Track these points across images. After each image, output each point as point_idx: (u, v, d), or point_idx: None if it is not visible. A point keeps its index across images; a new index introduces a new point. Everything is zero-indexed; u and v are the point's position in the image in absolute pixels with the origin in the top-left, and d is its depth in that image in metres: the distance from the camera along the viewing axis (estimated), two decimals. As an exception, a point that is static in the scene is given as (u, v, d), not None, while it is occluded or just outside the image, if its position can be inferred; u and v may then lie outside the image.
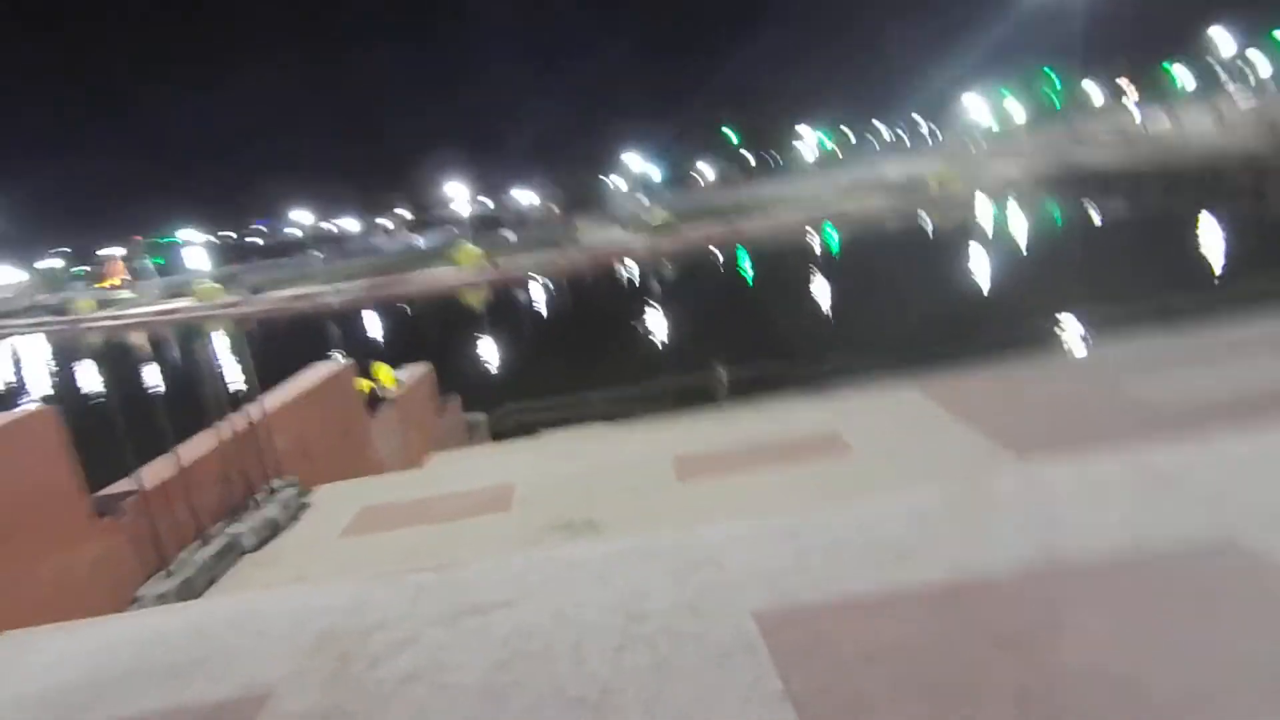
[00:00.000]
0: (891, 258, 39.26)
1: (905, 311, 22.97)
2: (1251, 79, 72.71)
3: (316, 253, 78.90)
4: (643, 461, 5.70)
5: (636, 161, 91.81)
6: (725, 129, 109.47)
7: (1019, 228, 44.32)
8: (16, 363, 52.09)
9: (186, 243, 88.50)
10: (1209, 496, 3.10)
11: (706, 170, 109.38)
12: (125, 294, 74.31)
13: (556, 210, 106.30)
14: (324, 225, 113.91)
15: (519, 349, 31.79)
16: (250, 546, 4.87)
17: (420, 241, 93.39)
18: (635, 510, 4.80)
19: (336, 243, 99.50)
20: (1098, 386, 5.70)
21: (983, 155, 77.11)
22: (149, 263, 75.96)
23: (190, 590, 4.26)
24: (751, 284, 39.33)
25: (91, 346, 54.81)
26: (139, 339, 55.21)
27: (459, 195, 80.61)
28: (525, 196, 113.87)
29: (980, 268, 32.35)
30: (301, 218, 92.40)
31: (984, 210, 52.63)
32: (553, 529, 4.68)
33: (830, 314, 28.48)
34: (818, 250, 48.28)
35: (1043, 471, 3.80)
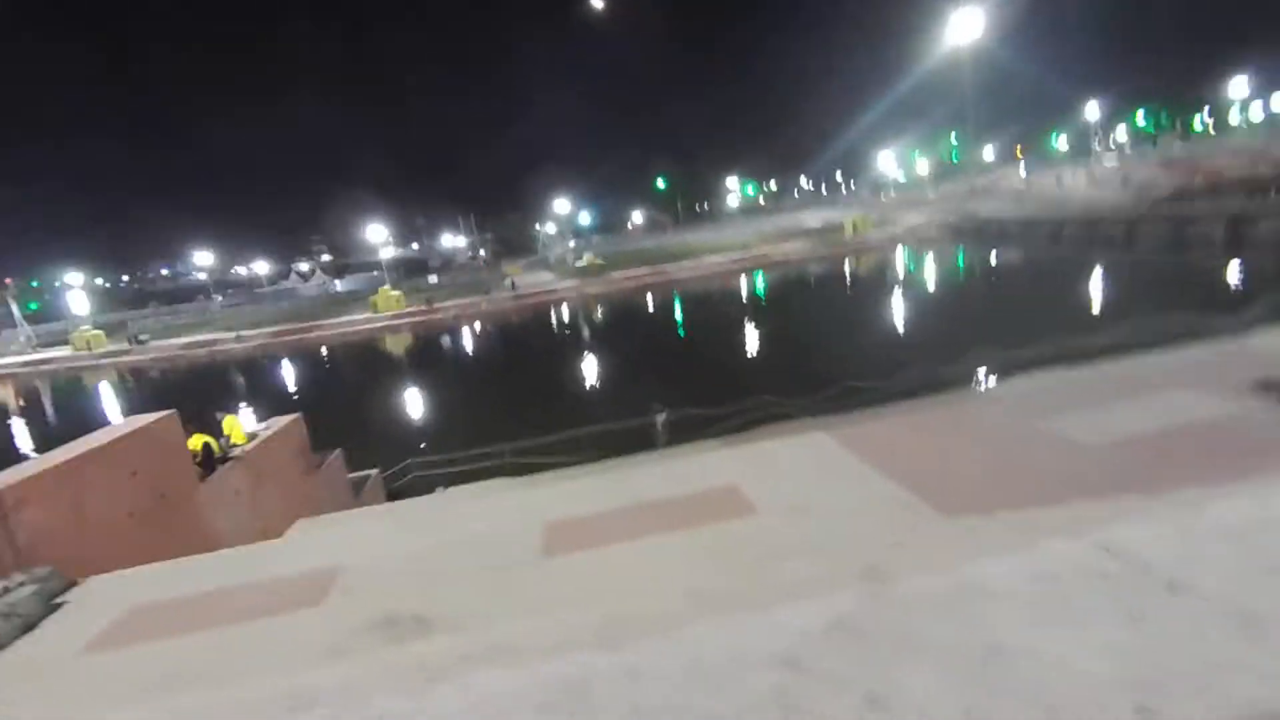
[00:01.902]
0: (814, 300, 39.89)
1: (826, 352, 22.87)
2: (1114, 145, 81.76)
3: (219, 297, 74.26)
4: (509, 530, 4.59)
5: (566, 207, 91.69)
6: (656, 178, 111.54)
7: (930, 271, 45.95)
8: None
9: (69, 286, 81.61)
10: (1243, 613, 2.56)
11: (636, 217, 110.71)
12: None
13: (484, 254, 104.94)
14: (236, 269, 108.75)
15: (442, 396, 30.08)
16: (-65, 677, 3.47)
17: (339, 285, 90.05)
18: (481, 598, 3.68)
19: (247, 288, 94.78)
20: (1017, 425, 5.07)
21: (893, 205, 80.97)
22: (14, 308, 68.61)
23: None
24: (681, 327, 38.91)
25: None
26: (7, 390, 49.96)
27: (381, 239, 78.06)
28: (452, 240, 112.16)
29: (896, 309, 32.98)
30: (209, 262, 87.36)
31: (897, 255, 54.62)
32: (370, 629, 3.50)
33: (754, 355, 28.20)
34: (744, 293, 48.70)
35: (982, 566, 3.11)
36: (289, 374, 43.36)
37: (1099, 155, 73.30)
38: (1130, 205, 41.36)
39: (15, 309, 71.97)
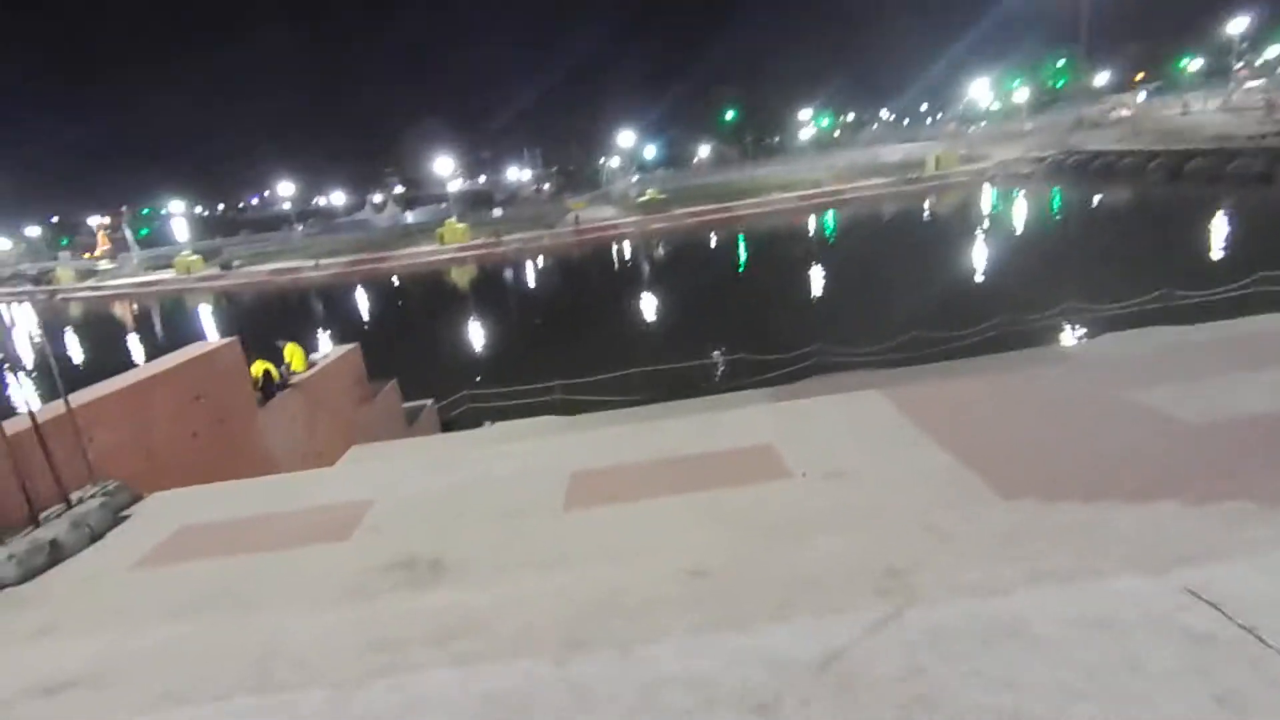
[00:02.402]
0: (887, 242, 38.20)
1: (895, 299, 21.96)
2: (1259, 65, 71.54)
3: (300, 226, 77.01)
4: (537, 476, 4.65)
5: (631, 140, 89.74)
6: (724, 110, 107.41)
7: (1019, 213, 43.13)
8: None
9: (172, 214, 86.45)
10: None
11: (703, 151, 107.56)
12: (106, 265, 72.56)
13: (548, 188, 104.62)
14: (316, 201, 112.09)
15: (501, 328, 30.67)
16: (10, 579, 3.83)
17: (409, 217, 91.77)
18: (496, 547, 3.75)
19: (325, 218, 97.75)
20: (1103, 394, 4.65)
21: (983, 138, 75.71)
22: (128, 234, 73.90)
23: (-111, 646, 3.22)
24: (744, 267, 38.09)
25: (70, 316, 53.39)
26: (123, 309, 53.85)
27: (449, 172, 78.72)
28: (517, 174, 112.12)
29: (977, 254, 31.25)
30: (291, 192, 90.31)
31: (983, 194, 51.42)
32: (389, 569, 3.64)
33: (820, 300, 27.39)
34: (812, 233, 47.10)
35: (1030, 597, 2.54)
36: (360, 302, 44.98)
37: (1240, 80, 64.12)
38: (1275, 135, 36.16)
39: (129, 234, 76.98)
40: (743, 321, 22.76)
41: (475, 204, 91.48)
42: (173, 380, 6.00)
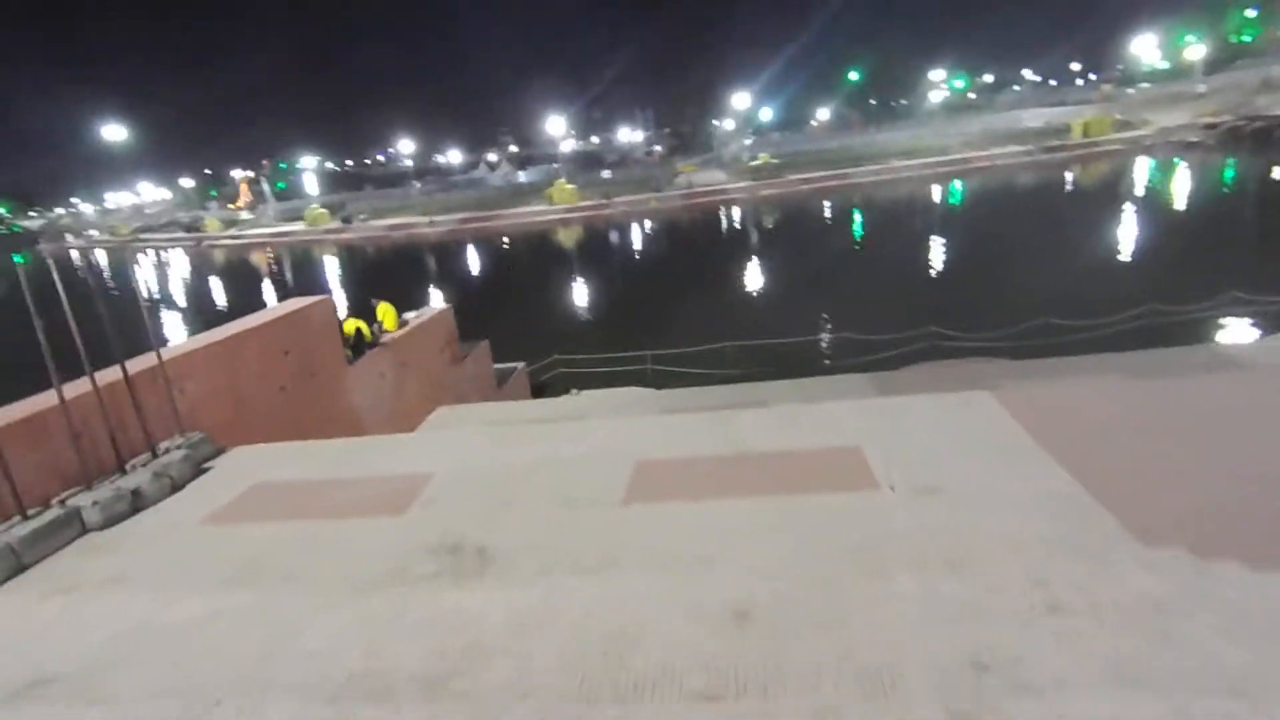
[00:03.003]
0: (1019, 216, 35.12)
1: (1024, 280, 20.09)
2: None
3: (417, 184, 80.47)
4: (601, 462, 4.37)
5: (746, 102, 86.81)
6: (848, 70, 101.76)
7: (1180, 187, 38.40)
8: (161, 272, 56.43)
9: (304, 169, 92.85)
10: None
11: (822, 114, 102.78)
12: (246, 215, 78.86)
13: (659, 150, 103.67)
14: (436, 159, 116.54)
15: (601, 292, 30.77)
16: (95, 523, 3.98)
17: (521, 176, 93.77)
18: (546, 539, 3.50)
19: (443, 175, 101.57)
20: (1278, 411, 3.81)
21: (1142, 101, 67.85)
22: (265, 187, 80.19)
23: (-26, 582, 3.39)
24: (858, 239, 36.21)
25: (215, 263, 58.54)
26: (259, 258, 58.51)
27: (561, 132, 79.41)
28: (629, 135, 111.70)
29: (1126, 233, 28.09)
30: (412, 150, 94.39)
31: (1138, 165, 46.14)
32: (435, 552, 3.48)
33: (939, 278, 25.56)
34: (936, 203, 44.10)
35: None
36: (467, 259, 46.52)
37: None
38: None
39: (266, 188, 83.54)
40: (852, 297, 21.58)
41: (586, 165, 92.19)
42: (263, 335, 6.15)
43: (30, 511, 3.82)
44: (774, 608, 2.70)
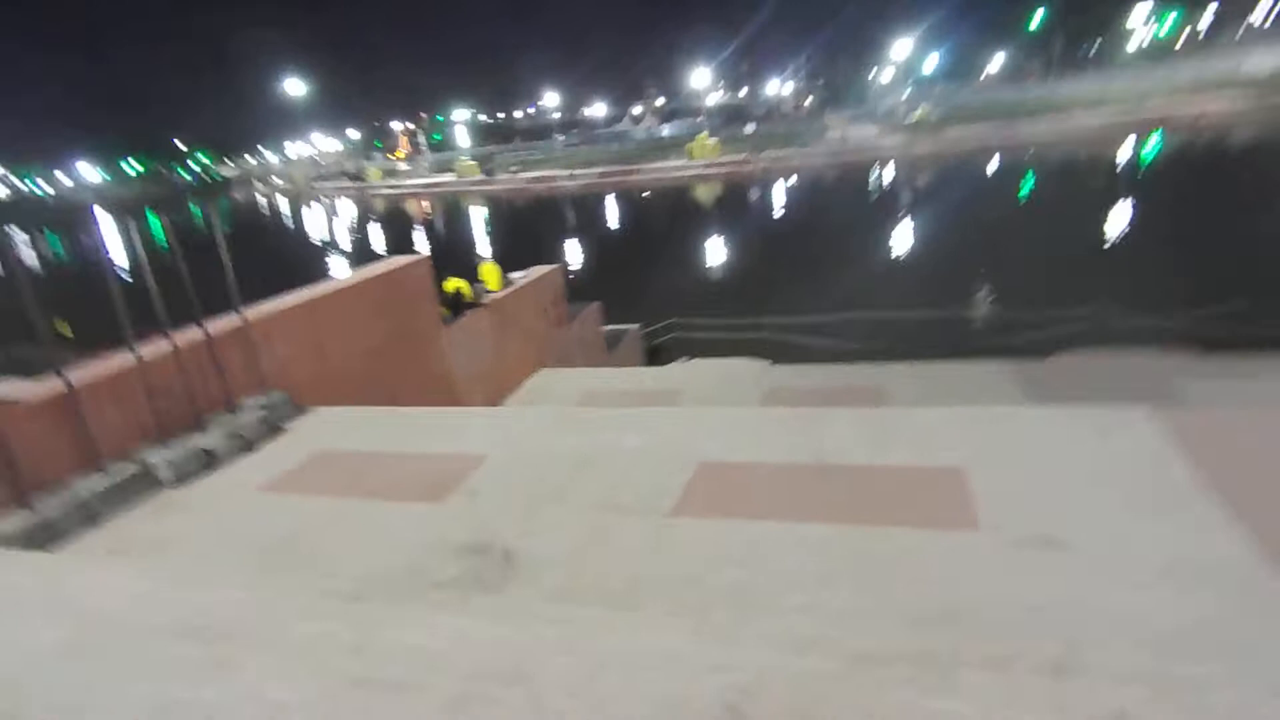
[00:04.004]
0: (1229, 177, 29.91)
1: (1221, 253, 17.02)
2: None
3: (560, 137, 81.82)
4: (658, 460, 3.94)
5: (907, 49, 79.72)
6: (1033, 10, 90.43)
7: None
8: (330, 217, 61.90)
9: (456, 122, 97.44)
10: None
11: (996, 62, 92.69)
12: (403, 166, 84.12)
13: (808, 103, 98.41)
14: (582, 112, 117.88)
15: (733, 252, 29.86)
16: (168, 480, 4.12)
17: (665, 130, 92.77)
18: (578, 552, 3.15)
19: (587, 129, 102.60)
20: None
21: None
22: (422, 139, 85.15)
23: (48, 534, 3.57)
24: (1024, 201, 32.52)
25: (376, 210, 63.11)
26: (414, 207, 62.43)
27: (707, 84, 77.22)
28: (778, 88, 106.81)
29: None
30: (556, 103, 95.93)
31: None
32: (461, 552, 3.23)
33: (1114, 248, 22.36)
34: (1125, 163, 38.62)
35: None
36: (605, 213, 46.78)
37: None
38: None
39: (423, 140, 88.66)
40: (1012, 268, 19.31)
41: (731, 119, 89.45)
42: (355, 294, 6.20)
43: (108, 466, 3.99)
44: (790, 703, 2.13)
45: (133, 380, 4.19)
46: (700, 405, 7.70)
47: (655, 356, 13.93)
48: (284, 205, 73.68)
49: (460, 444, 4.48)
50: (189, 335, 4.60)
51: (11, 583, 2.90)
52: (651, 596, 2.83)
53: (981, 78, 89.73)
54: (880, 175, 45.89)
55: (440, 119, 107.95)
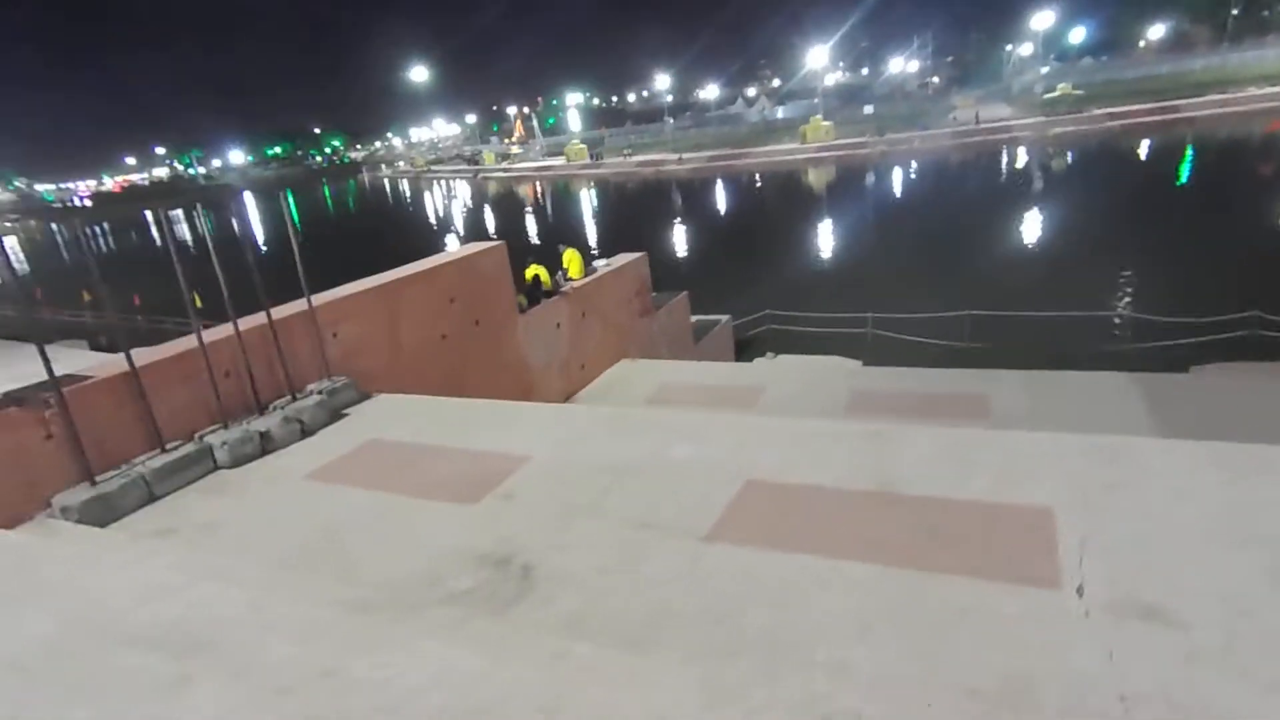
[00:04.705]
0: None
1: None
2: None
3: (670, 120, 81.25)
4: (704, 474, 3.62)
5: (1050, 20, 72.81)
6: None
7: None
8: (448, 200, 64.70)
9: (569, 106, 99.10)
10: None
11: (1155, 32, 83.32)
12: (516, 150, 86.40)
13: (936, 81, 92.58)
14: (696, 94, 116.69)
15: (842, 241, 28.53)
16: (224, 462, 4.22)
17: (779, 113, 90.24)
18: (600, 576, 2.90)
19: (699, 111, 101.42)
20: None
21: None
22: (535, 123, 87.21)
23: (107, 508, 3.71)
24: (1181, 188, 29.05)
25: (489, 193, 65.28)
26: (525, 190, 64.09)
27: (824, 63, 74.02)
28: (902, 65, 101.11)
29: None
30: (667, 86, 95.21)
31: None
32: (481, 563, 3.07)
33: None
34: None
35: None
36: (713, 197, 46.03)
37: None
38: None
39: (536, 124, 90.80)
40: (1157, 265, 17.24)
41: (849, 99, 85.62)
42: (428, 281, 6.22)
43: (170, 445, 4.14)
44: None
45: (196, 362, 4.32)
46: (779, 406, 7.27)
47: (746, 350, 13.45)
48: (405, 187, 77.65)
49: (509, 441, 4.35)
50: (255, 320, 4.71)
51: (31, 566, 2.99)
52: (671, 634, 2.55)
53: (1139, 47, 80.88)
54: (1012, 158, 42.45)
55: (554, 103, 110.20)
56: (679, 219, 38.43)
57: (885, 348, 13.42)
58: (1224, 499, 2.86)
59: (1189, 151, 35.72)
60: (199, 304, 4.55)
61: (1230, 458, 3.13)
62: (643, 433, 4.35)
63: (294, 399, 4.80)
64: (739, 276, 21.06)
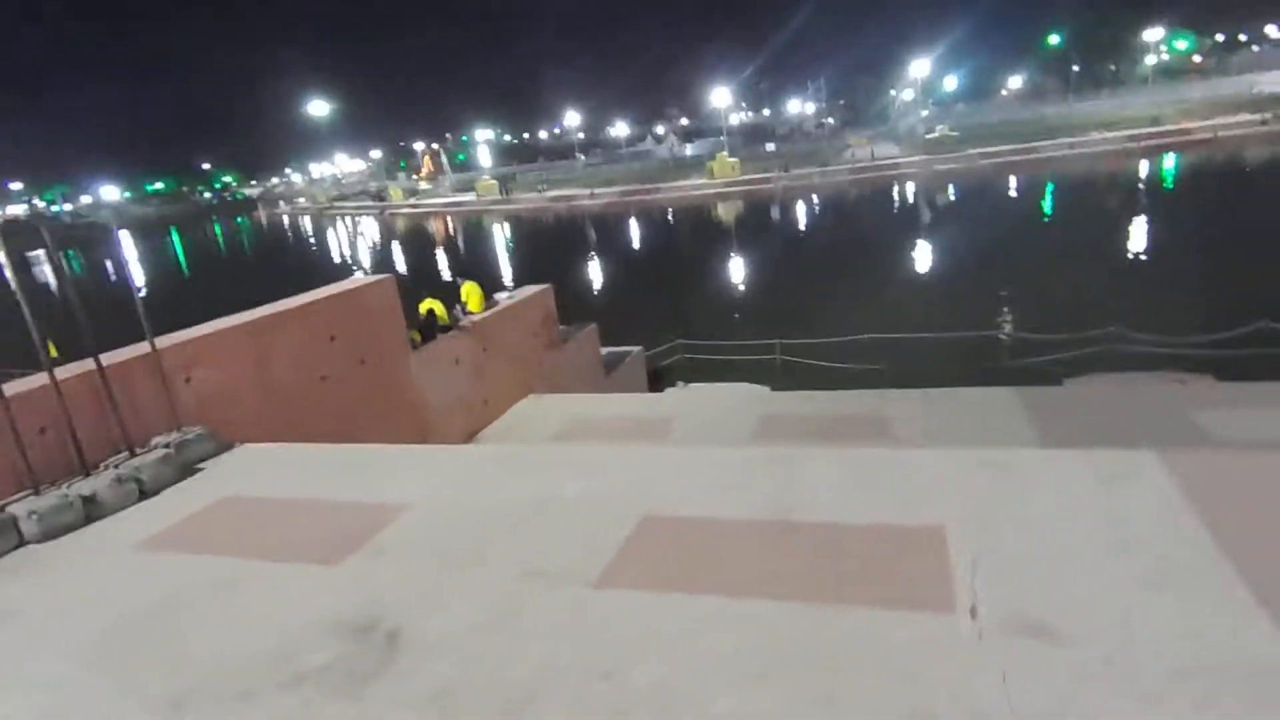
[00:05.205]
0: (1250, 197, 28.97)
1: (1247, 271, 16.17)
2: None
3: (582, 156, 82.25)
4: (598, 512, 3.37)
5: (925, 69, 78.79)
6: (1048, 32, 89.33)
7: None
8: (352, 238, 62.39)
9: (480, 142, 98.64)
10: None
11: (1013, 82, 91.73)
12: (425, 186, 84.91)
13: (830, 121, 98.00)
14: (608, 131, 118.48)
15: (750, 270, 29.23)
16: (34, 535, 3.60)
17: (688, 150, 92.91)
18: (477, 629, 2.59)
19: (610, 149, 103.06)
20: None
21: None
22: (445, 160, 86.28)
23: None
24: (1045, 220, 31.74)
25: (397, 230, 63.52)
26: (435, 226, 62.73)
27: (728, 104, 77.04)
28: (799, 107, 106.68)
29: None
30: (578, 123, 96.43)
31: None
32: (339, 633, 2.67)
33: (1132, 268, 21.50)
34: (1142, 183, 37.74)
35: None
36: (624, 232, 46.45)
37: None
38: None
39: (445, 160, 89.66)
40: (1031, 288, 18.60)
41: (753, 138, 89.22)
42: (302, 318, 5.70)
43: (-33, 515, 3.50)
44: None
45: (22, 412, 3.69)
46: (690, 435, 7.13)
47: (659, 380, 13.34)
48: (307, 224, 74.49)
49: (387, 490, 3.93)
50: (80, 367, 4.12)
51: None
52: (553, 697, 2.25)
53: (1002, 96, 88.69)
54: (903, 193, 45.17)
55: (464, 140, 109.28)
56: (592, 253, 38.50)
57: (793, 373, 13.66)
58: (1101, 507, 2.88)
59: (1050, 186, 39.14)
60: (54, 352, 3.95)
61: (1104, 465, 3.17)
62: (537, 471, 4.04)
63: (132, 455, 4.20)
64: (651, 308, 21.12)
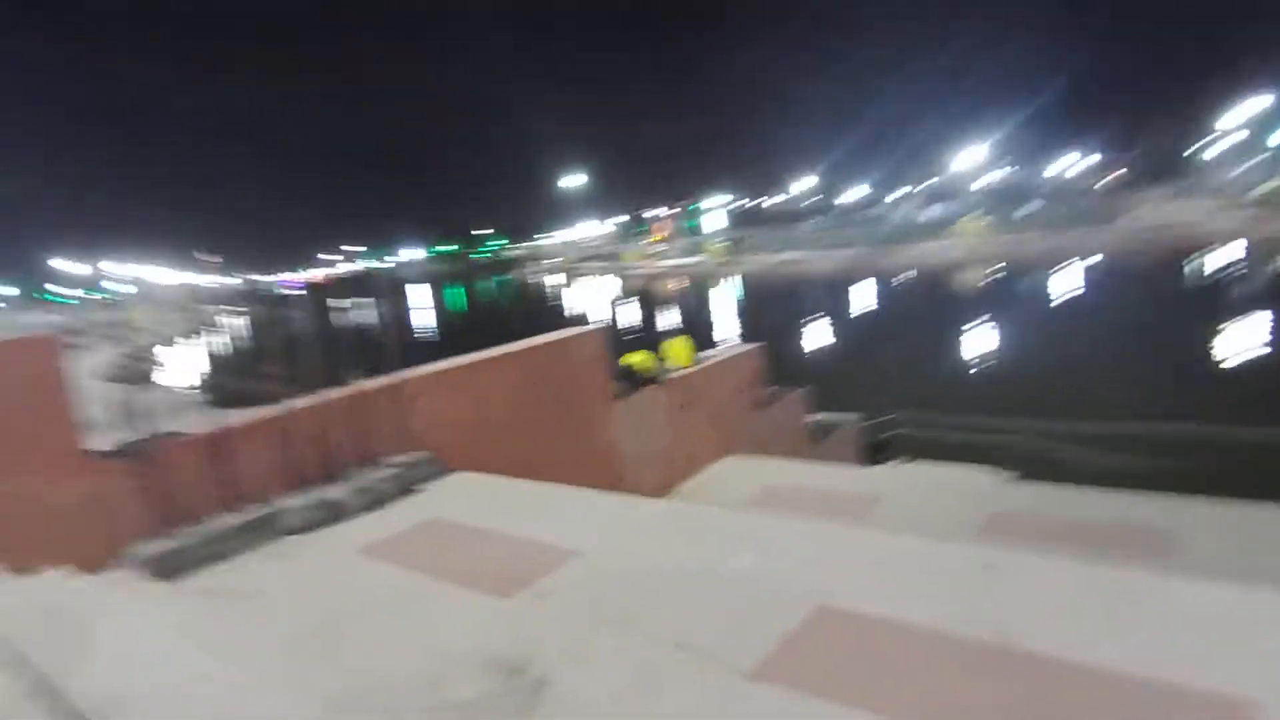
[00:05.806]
0: None
1: None
2: None
3: (812, 220, 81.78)
4: (768, 589, 3.07)
5: (1266, 102, 64.50)
6: None
7: None
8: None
9: (709, 209, 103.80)
10: None
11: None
12: (660, 248, 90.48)
13: (1111, 178, 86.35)
14: (843, 194, 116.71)
15: (1000, 343, 26.36)
16: (293, 527, 4.21)
17: (929, 212, 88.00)
18: (617, 698, 2.44)
19: (841, 213, 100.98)
20: None
21: None
22: (679, 224, 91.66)
23: (178, 561, 3.77)
24: None
25: (629, 288, 68.02)
26: (663, 285, 66.20)
27: (979, 161, 71.78)
28: (1070, 161, 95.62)
29: None
30: (808, 188, 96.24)
31: None
32: (489, 669, 2.69)
33: None
34: None
35: None
36: (849, 295, 44.76)
37: None
38: None
39: (678, 224, 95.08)
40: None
41: (1008, 198, 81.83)
42: (520, 361, 6.19)
43: (244, 507, 4.22)
44: None
45: (277, 429, 4.44)
46: (898, 520, 6.38)
47: (877, 453, 12.37)
48: (554, 280, 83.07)
49: (564, 532, 4.02)
50: (341, 391, 4.83)
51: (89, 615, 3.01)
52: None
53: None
54: (1204, 262, 38.00)
55: (695, 206, 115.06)
56: (817, 315, 37.58)
57: (1044, 463, 11.82)
58: None
59: None
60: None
61: None
62: (716, 534, 3.86)
63: (372, 469, 4.81)
64: (878, 375, 19.87)
